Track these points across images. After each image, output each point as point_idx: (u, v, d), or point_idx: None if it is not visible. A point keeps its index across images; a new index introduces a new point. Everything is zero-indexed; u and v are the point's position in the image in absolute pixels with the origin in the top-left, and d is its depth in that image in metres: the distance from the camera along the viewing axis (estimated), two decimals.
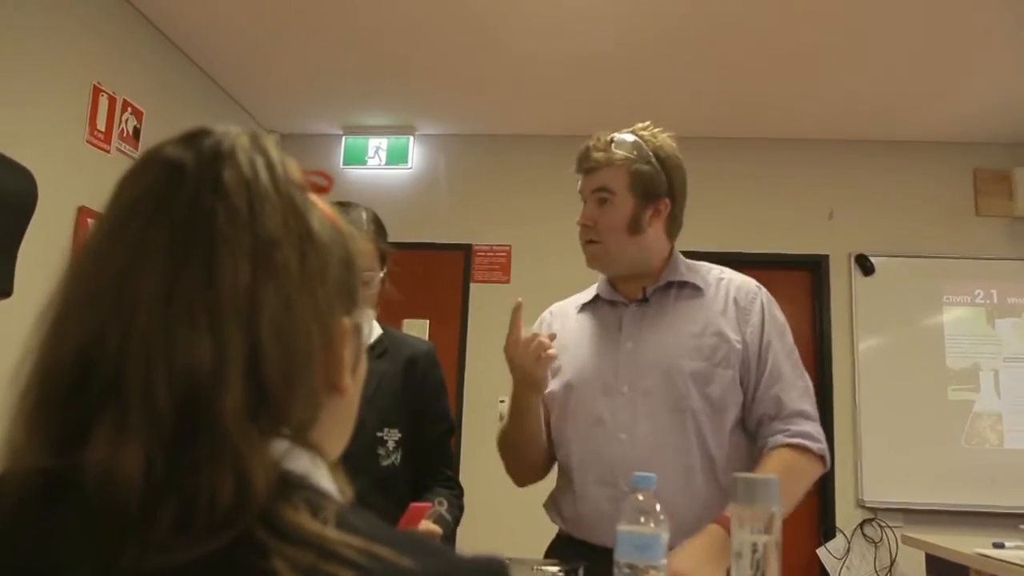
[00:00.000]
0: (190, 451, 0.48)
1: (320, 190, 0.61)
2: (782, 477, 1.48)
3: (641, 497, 1.17)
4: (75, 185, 3.02)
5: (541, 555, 1.58)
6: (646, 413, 1.52)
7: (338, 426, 0.62)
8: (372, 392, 1.64)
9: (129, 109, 3.47)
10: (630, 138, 1.58)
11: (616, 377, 1.56)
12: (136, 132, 3.52)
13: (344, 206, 1.58)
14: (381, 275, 1.65)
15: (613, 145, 1.57)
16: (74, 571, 0.46)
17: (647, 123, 1.62)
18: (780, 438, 1.49)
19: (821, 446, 1.49)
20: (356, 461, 1.25)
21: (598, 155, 1.57)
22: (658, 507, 1.16)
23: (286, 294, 0.53)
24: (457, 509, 1.73)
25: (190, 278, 0.50)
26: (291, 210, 0.55)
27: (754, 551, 0.99)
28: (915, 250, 4.46)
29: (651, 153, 1.56)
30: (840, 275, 4.52)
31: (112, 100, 3.35)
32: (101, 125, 3.29)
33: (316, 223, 0.57)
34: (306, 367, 0.54)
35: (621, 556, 1.15)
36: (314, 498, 0.51)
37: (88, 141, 3.22)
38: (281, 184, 0.56)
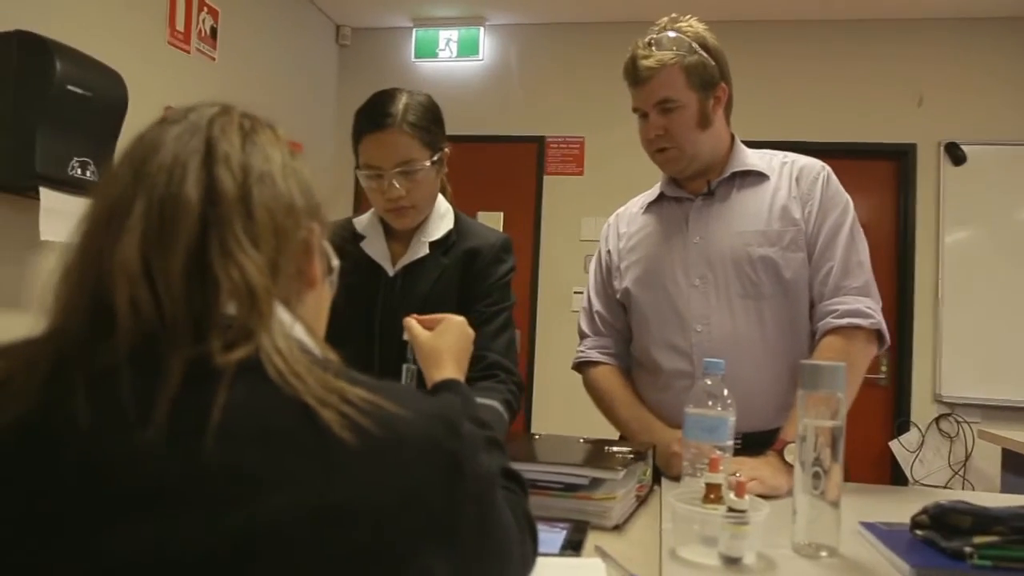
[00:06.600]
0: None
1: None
2: None
3: (710, 382, 1.21)
4: (159, 85, 3.09)
5: (615, 438, 1.66)
6: (720, 303, 1.55)
7: (309, 320, 0.69)
8: (430, 289, 1.53)
9: (205, 9, 3.51)
10: (670, 34, 1.55)
11: (687, 271, 1.59)
12: (213, 32, 3.57)
13: (387, 94, 1.48)
14: (428, 164, 1.48)
15: (655, 47, 1.54)
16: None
17: (672, 15, 1.59)
18: (830, 320, 1.50)
19: (873, 320, 1.49)
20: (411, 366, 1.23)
21: (647, 62, 1.53)
22: (726, 392, 1.20)
23: (273, 177, 0.66)
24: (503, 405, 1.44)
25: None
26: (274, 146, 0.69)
27: (818, 436, 1.03)
28: (1010, 137, 4.22)
29: (693, 43, 1.54)
30: (928, 165, 4.32)
31: (188, 0, 3.39)
32: (180, 26, 3.34)
33: (281, 153, 0.69)
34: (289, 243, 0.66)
35: (689, 437, 1.21)
36: (316, 358, 0.62)
37: (169, 42, 3.28)
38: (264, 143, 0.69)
